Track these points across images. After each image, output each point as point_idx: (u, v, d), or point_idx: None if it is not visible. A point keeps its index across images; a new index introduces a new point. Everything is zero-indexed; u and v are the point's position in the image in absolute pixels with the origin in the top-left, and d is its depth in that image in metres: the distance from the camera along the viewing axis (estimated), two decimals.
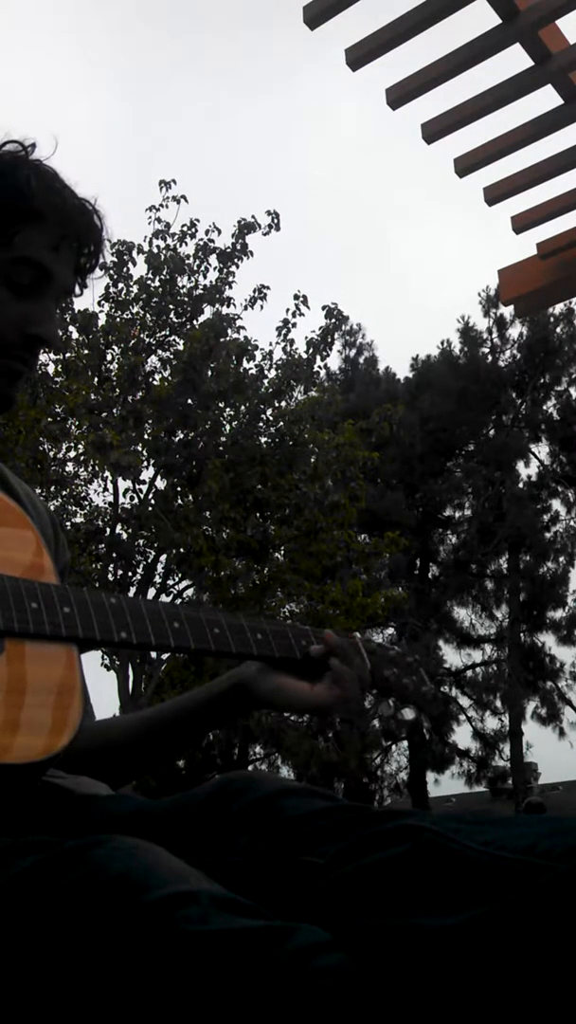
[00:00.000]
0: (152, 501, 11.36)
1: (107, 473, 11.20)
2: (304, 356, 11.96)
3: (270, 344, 12.00)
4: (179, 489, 11.60)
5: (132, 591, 11.41)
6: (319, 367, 12.31)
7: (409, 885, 0.63)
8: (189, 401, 11.12)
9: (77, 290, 1.13)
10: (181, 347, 11.45)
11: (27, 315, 1.05)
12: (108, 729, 1.15)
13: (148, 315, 11.69)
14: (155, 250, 11.69)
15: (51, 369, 11.68)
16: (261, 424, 11.70)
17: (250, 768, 18.77)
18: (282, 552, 11.90)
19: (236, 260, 11.67)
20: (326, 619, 11.08)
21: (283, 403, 11.82)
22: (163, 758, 1.17)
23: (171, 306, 11.65)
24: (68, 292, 1.10)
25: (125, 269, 11.75)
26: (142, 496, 11.48)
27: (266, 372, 11.90)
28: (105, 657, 11.12)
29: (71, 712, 0.90)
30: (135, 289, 11.74)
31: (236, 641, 1.05)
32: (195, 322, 11.63)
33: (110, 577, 11.29)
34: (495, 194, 3.33)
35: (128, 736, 1.13)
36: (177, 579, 12.06)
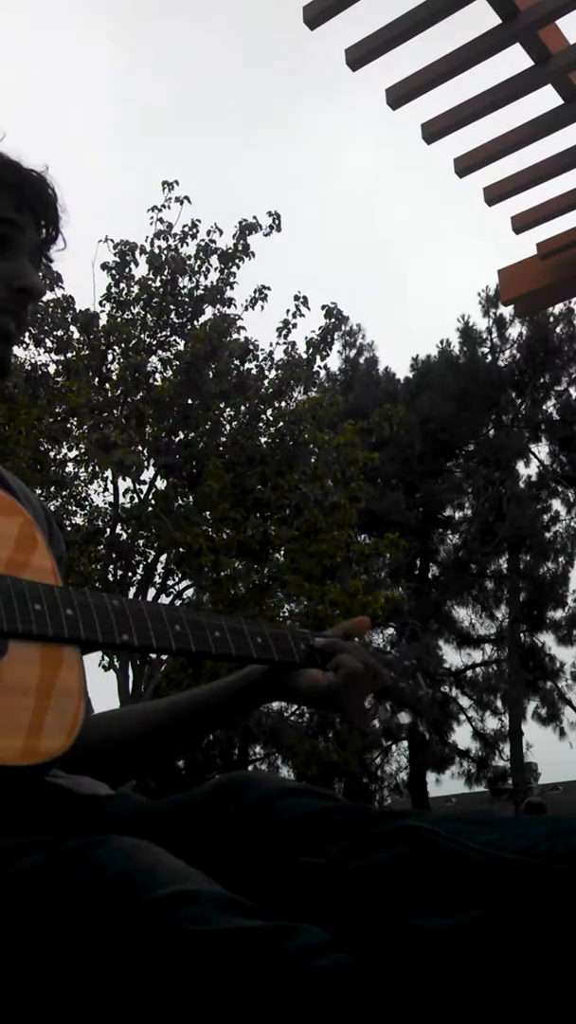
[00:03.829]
0: (152, 501, 11.36)
1: (107, 473, 11.20)
2: (304, 356, 11.97)
3: (271, 344, 12.03)
4: (179, 489, 11.60)
5: (132, 591, 11.41)
6: (319, 367, 12.33)
7: (409, 886, 0.63)
8: (190, 401, 11.12)
9: (43, 261, 1.13)
10: (182, 347, 11.46)
11: (7, 271, 1.05)
12: (114, 724, 1.15)
13: (149, 315, 11.69)
14: (157, 250, 11.70)
15: (52, 369, 11.69)
16: (261, 424, 11.70)
17: (250, 768, 18.77)
18: (282, 552, 11.90)
19: (237, 261, 11.69)
20: (326, 619, 11.07)
21: (283, 403, 11.83)
22: (175, 752, 1.18)
23: (172, 306, 11.65)
24: (35, 257, 1.10)
25: (127, 269, 11.76)
26: (142, 496, 11.48)
27: (266, 372, 11.91)
28: (105, 657, 11.13)
29: (74, 714, 0.90)
30: (136, 289, 11.75)
31: (236, 644, 1.05)
32: (196, 322, 11.64)
33: (110, 577, 11.29)
34: (495, 194, 3.33)
35: (141, 729, 1.14)
36: (177, 579, 12.07)
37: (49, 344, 11.71)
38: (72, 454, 11.64)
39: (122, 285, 11.76)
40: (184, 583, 12.11)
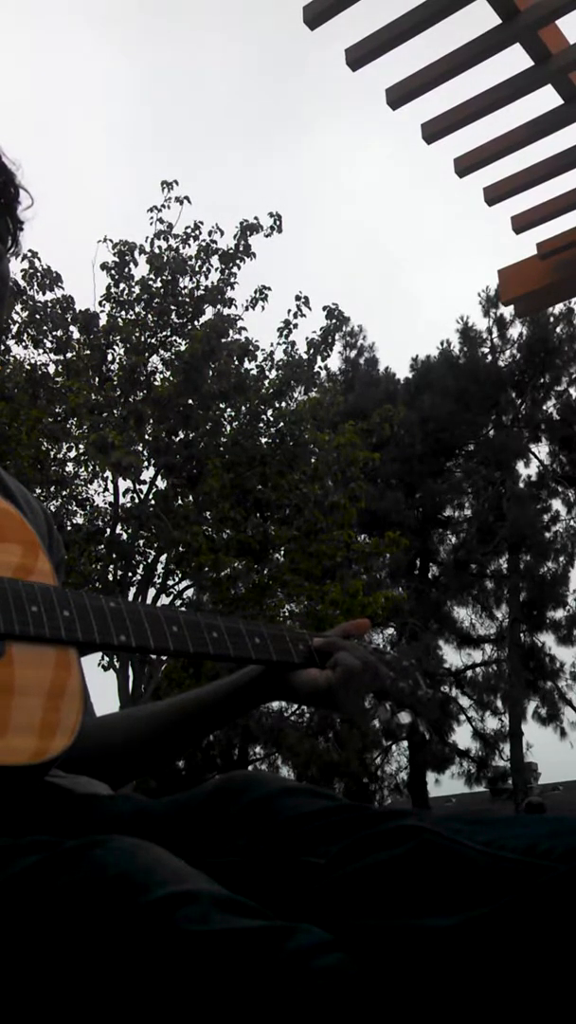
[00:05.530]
0: (152, 501, 11.36)
1: (107, 473, 11.21)
2: (305, 357, 11.97)
3: (271, 345, 12.04)
4: (179, 489, 11.60)
5: (132, 591, 11.42)
6: (320, 368, 12.33)
7: (409, 886, 0.63)
8: (190, 401, 11.13)
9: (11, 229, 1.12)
10: (182, 347, 11.46)
11: None
12: (114, 727, 1.15)
13: (150, 315, 11.69)
14: (157, 251, 11.71)
15: (52, 369, 11.69)
16: (262, 424, 11.70)
17: (250, 768, 18.76)
18: (282, 552, 11.90)
19: (238, 261, 11.68)
20: (326, 619, 11.07)
21: (284, 404, 11.83)
22: (176, 753, 1.19)
23: (172, 307, 11.66)
24: None
25: (127, 269, 11.77)
26: (142, 496, 11.48)
27: (267, 373, 11.91)
28: (105, 657, 11.13)
29: (72, 714, 0.91)
30: (136, 289, 11.75)
31: (234, 645, 1.06)
32: (196, 323, 11.64)
33: (110, 577, 11.29)
34: (495, 194, 3.33)
35: (141, 731, 1.14)
36: (177, 579, 12.07)
37: (49, 344, 11.72)
38: (72, 454, 11.66)
39: (122, 285, 11.76)
40: (184, 583, 12.11)
